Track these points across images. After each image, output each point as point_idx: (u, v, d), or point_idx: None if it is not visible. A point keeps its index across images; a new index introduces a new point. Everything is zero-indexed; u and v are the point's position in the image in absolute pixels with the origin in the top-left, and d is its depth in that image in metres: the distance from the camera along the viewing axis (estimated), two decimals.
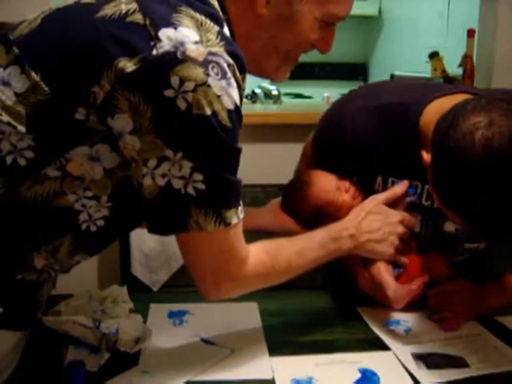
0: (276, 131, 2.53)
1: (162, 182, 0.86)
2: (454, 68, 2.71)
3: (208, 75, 0.82)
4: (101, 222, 0.93)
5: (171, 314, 1.26)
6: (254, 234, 1.13)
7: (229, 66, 0.85)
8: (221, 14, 0.93)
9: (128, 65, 0.80)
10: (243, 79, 0.91)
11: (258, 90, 3.04)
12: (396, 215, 1.22)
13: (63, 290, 1.28)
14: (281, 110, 2.92)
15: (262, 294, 1.12)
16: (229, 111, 0.85)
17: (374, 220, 1.20)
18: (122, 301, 1.16)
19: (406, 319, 1.24)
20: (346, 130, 1.28)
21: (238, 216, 0.93)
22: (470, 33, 2.61)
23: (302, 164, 1.47)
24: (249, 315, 1.25)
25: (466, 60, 2.61)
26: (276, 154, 2.47)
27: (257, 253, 1.02)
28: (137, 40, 0.81)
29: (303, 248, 1.11)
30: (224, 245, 0.95)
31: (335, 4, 1.00)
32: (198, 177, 0.86)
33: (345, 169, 1.30)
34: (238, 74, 0.87)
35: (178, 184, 0.86)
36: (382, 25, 4.47)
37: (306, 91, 4.14)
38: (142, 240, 2.20)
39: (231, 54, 0.86)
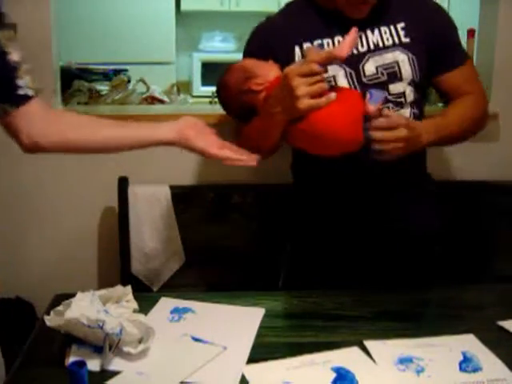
0: None
1: None
2: None
3: None
4: None
5: (174, 310, 1.26)
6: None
7: None
8: None
9: None
10: None
11: None
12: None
13: (63, 289, 1.28)
14: None
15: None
16: None
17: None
18: (126, 301, 1.16)
19: (419, 356, 1.09)
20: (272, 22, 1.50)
21: None
22: (470, 33, 2.61)
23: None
24: (249, 318, 1.23)
25: None
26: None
27: None
28: None
29: None
30: None
31: None
32: None
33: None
34: None
35: None
36: None
37: None
38: (142, 240, 2.19)
39: None
